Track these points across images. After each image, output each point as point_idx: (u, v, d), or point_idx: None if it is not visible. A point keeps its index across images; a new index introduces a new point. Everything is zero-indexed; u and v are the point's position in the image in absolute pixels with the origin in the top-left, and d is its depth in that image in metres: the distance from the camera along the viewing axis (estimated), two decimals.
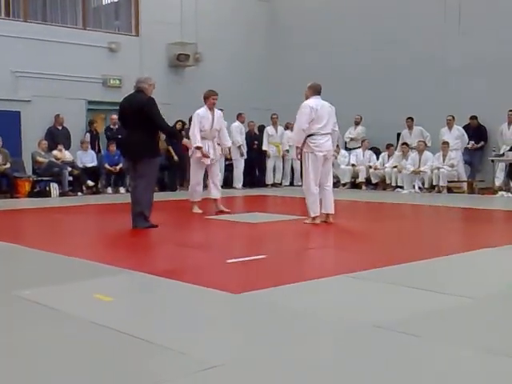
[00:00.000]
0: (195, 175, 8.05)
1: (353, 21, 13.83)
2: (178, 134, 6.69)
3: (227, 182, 12.93)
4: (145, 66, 13.00)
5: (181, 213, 8.39)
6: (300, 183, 13.57)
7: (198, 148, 7.75)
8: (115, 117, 12.17)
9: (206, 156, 7.85)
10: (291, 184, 13.59)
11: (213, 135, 8.01)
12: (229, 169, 13.01)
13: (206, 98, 7.96)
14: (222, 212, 8.00)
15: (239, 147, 12.67)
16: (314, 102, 6.65)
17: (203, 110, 7.93)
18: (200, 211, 8.00)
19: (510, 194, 10.54)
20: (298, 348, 2.72)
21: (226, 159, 12.92)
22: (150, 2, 13.67)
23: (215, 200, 8.13)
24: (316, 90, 6.75)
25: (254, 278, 4.18)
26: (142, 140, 6.23)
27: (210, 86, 13.62)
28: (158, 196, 9.63)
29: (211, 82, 13.83)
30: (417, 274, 4.25)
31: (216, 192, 8.09)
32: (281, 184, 13.37)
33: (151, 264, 4.72)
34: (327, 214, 6.85)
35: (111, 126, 12.52)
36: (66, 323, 3.10)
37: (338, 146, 13.32)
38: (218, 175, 8.23)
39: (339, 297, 3.67)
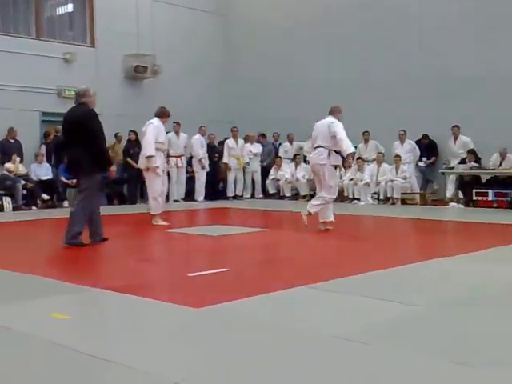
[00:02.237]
0: (158, 185, 8.03)
1: (307, 33, 13.97)
2: (107, 160, 6.30)
3: (188, 195, 12.83)
4: (100, 77, 12.80)
5: (141, 226, 8.24)
6: (261, 195, 13.64)
7: (151, 156, 7.93)
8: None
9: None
10: (252, 196, 13.59)
11: (165, 148, 8.24)
12: (190, 181, 12.91)
13: (163, 115, 8.18)
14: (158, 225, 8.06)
15: (200, 160, 12.60)
16: (318, 122, 7.42)
17: (159, 123, 8.07)
18: (165, 223, 8.00)
19: (460, 205, 10.81)
20: (259, 361, 2.68)
21: (187, 172, 12.88)
22: (105, 13, 13.50)
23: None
24: (330, 110, 7.44)
25: (215, 292, 4.12)
26: (83, 155, 6.02)
27: (169, 99, 13.64)
28: (118, 209, 9.46)
29: (170, 95, 13.81)
30: (373, 284, 4.28)
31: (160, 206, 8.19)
32: (242, 196, 13.34)
33: (109, 280, 4.59)
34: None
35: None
36: (22, 343, 2.97)
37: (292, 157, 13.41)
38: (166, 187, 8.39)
39: (299, 308, 3.67)
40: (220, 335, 3.10)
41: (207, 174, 12.80)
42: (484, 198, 10.47)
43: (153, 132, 7.96)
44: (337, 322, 3.31)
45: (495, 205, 10.30)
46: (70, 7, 13.88)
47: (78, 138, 6.03)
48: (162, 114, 8.18)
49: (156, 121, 8.11)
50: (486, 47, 11.40)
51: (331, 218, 7.39)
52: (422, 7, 12.39)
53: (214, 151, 13.34)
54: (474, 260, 5.30)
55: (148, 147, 7.95)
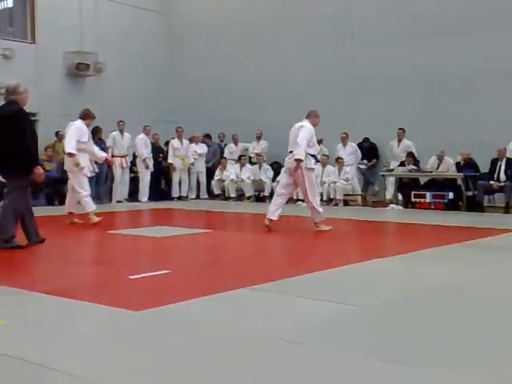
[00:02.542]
0: (86, 185, 8.18)
1: (253, 35, 14.03)
2: (33, 161, 6.06)
3: (132, 195, 12.65)
4: (41, 74, 12.47)
5: (82, 227, 8.06)
6: (206, 196, 13.60)
7: (71, 155, 7.96)
8: None
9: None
10: (197, 197, 13.54)
11: (88, 149, 8.27)
12: (133, 182, 12.74)
13: (87, 117, 8.26)
14: (75, 223, 8.19)
15: (144, 160, 12.45)
16: (295, 124, 7.54)
17: (81, 124, 8.18)
18: (99, 218, 8.07)
19: (399, 207, 11.14)
20: (200, 363, 2.69)
21: (131, 171, 12.70)
22: (47, 9, 13.14)
23: (71, 213, 8.34)
24: (307, 114, 7.62)
25: (157, 294, 4.09)
26: (12, 155, 5.80)
27: (112, 97, 13.48)
28: (58, 210, 9.23)
29: (113, 93, 13.62)
30: (313, 285, 4.37)
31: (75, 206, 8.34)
32: (187, 197, 13.27)
33: (46, 283, 4.47)
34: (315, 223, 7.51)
35: None
36: None
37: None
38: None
39: (240, 310, 3.69)
40: (160, 338, 3.08)
41: (151, 174, 12.67)
42: (422, 200, 10.82)
43: (74, 132, 8.04)
44: (274, 322, 3.35)
45: (432, 206, 10.67)
46: (9, 2, 13.46)
47: (7, 138, 5.82)
48: (86, 116, 8.28)
49: (79, 122, 8.19)
50: (425, 50, 11.75)
51: (274, 217, 7.48)
52: (354, 10, 12.68)
53: (159, 151, 13.22)
54: (412, 260, 5.47)
55: (68, 145, 8.02)
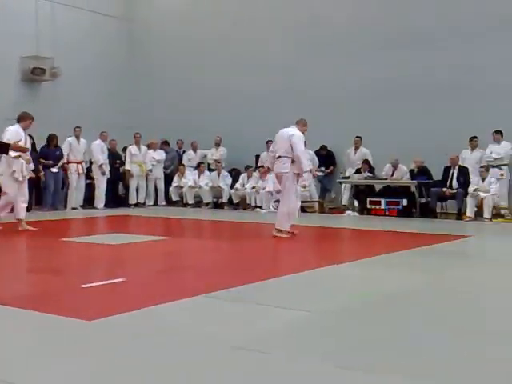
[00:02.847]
0: (14, 189, 8.01)
1: (215, 43, 14.06)
2: (6, 147, 6.13)
3: (88, 202, 12.43)
4: None
5: (35, 235, 7.87)
6: (164, 203, 13.49)
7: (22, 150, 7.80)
8: None
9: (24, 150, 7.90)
10: (155, 204, 13.41)
11: (27, 153, 8.16)
12: (89, 188, 12.52)
13: (22, 119, 8.12)
14: (27, 230, 7.99)
15: (101, 166, 12.26)
16: (282, 130, 7.60)
17: (17, 128, 8.06)
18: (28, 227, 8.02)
19: (355, 213, 11.31)
20: (154, 374, 2.65)
21: (88, 178, 12.47)
22: (1, 14, 12.82)
23: (20, 220, 8.14)
24: (296, 121, 7.71)
25: (110, 303, 4.03)
26: None
27: (69, 102, 13.26)
28: (10, 217, 8.98)
29: (70, 98, 13.39)
30: (270, 292, 4.39)
31: (24, 211, 8.19)
32: (144, 204, 13.13)
33: None
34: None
35: None
36: None
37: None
38: (27, 193, 8.38)
39: (196, 318, 3.67)
40: (114, 348, 3.03)
41: (108, 180, 12.48)
42: (377, 207, 11.03)
43: (8, 136, 7.91)
44: (232, 331, 3.34)
45: (387, 213, 10.88)
46: None
47: None
48: (22, 119, 8.16)
49: (15, 127, 8.08)
50: (376, 61, 11.99)
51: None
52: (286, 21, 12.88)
53: (116, 157, 13.05)
54: (368, 266, 5.56)
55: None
